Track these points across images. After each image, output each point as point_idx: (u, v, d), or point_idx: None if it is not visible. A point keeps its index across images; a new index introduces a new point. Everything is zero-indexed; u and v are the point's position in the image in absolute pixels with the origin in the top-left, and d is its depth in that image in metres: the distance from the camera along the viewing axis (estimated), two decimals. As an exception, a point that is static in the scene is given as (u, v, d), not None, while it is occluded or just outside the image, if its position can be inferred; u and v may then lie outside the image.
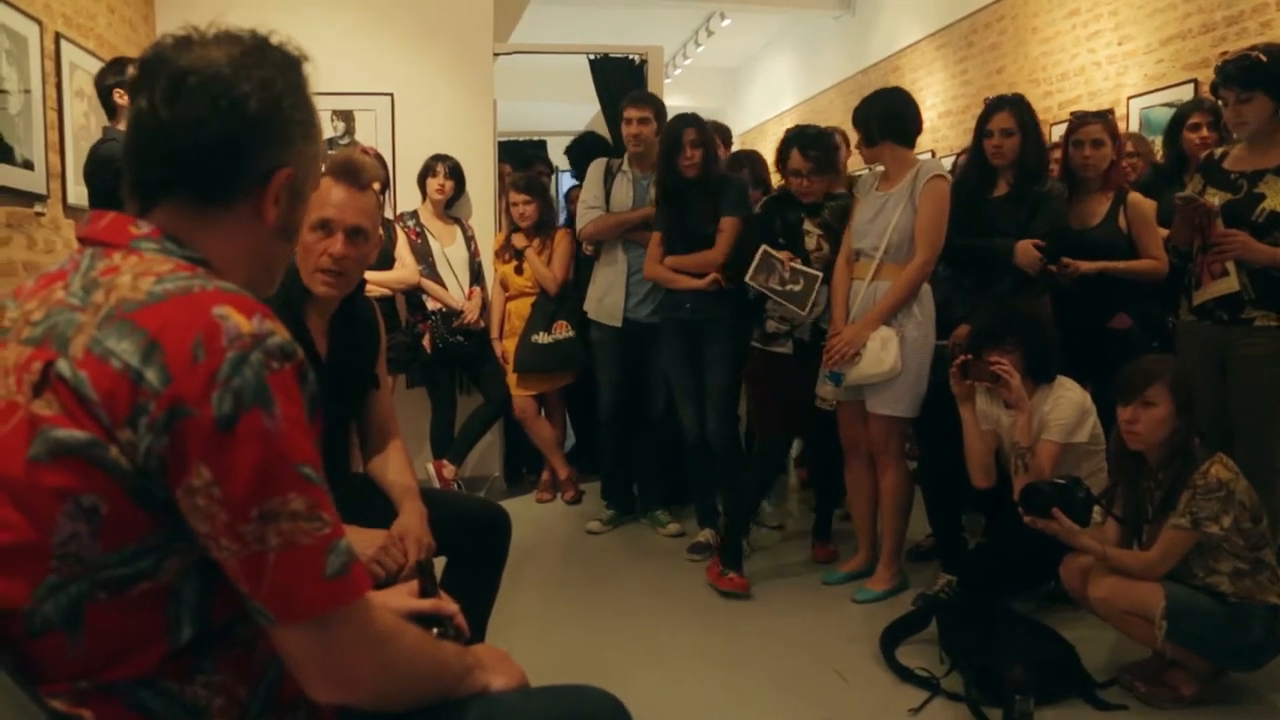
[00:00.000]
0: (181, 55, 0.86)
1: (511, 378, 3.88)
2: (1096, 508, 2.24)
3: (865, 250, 2.84)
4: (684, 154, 3.13)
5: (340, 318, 1.76)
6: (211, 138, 0.85)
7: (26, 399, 0.78)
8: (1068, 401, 2.50)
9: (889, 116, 2.83)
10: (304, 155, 0.92)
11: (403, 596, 1.16)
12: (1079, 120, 3.02)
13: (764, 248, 2.94)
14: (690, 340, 3.24)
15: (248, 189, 0.89)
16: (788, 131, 3.08)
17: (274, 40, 0.91)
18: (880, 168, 2.92)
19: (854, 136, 3.06)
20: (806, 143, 2.96)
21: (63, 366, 0.77)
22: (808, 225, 3.01)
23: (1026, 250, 2.77)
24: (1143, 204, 2.94)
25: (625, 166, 3.56)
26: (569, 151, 4.34)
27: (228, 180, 0.88)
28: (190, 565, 0.81)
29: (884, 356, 2.73)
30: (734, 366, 3.19)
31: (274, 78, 0.88)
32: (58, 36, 3.29)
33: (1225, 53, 2.62)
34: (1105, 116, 3.10)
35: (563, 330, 3.81)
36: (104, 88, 3.01)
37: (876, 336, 2.75)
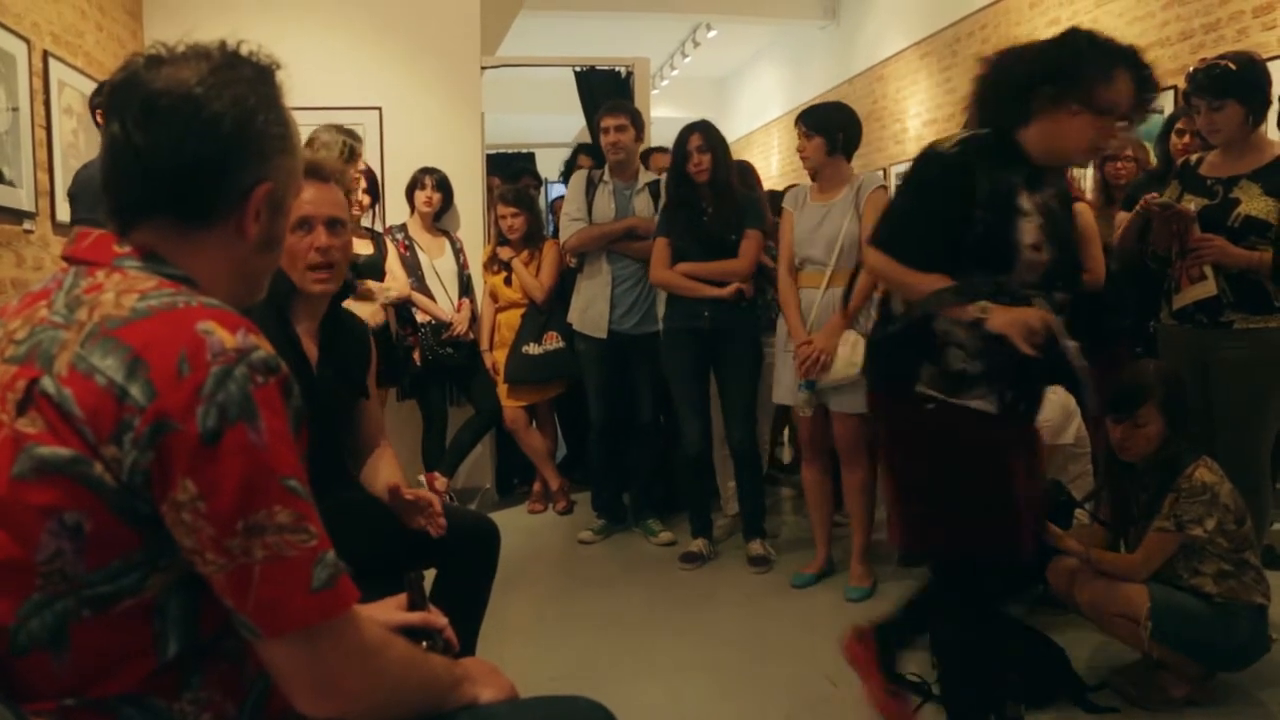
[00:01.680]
0: (152, 77, 0.86)
1: (502, 389, 3.89)
2: (1082, 510, 2.26)
3: (813, 259, 2.96)
4: (691, 160, 3.17)
5: (328, 324, 1.77)
6: (187, 160, 0.85)
7: (10, 417, 0.78)
8: (1052, 404, 2.52)
9: (854, 136, 3.04)
10: (282, 168, 0.92)
11: (391, 610, 1.16)
12: None
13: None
14: (704, 351, 3.23)
15: (228, 207, 0.89)
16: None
17: (244, 52, 0.91)
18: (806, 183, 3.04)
19: (793, 138, 3.15)
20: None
21: (47, 384, 0.77)
22: (1025, 201, 1.71)
23: None
24: (1085, 215, 2.99)
25: (606, 177, 3.58)
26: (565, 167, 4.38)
27: (207, 200, 0.88)
28: (175, 581, 0.81)
29: (855, 359, 2.82)
30: (757, 377, 3.24)
31: (246, 93, 0.88)
32: (45, 54, 3.30)
33: (1203, 60, 2.66)
34: None
35: (553, 341, 3.81)
36: (91, 110, 3.03)
37: (845, 341, 2.86)
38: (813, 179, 3.17)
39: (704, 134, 3.19)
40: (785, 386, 3.07)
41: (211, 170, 0.87)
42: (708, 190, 3.19)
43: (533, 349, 3.83)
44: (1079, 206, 3.02)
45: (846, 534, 3.33)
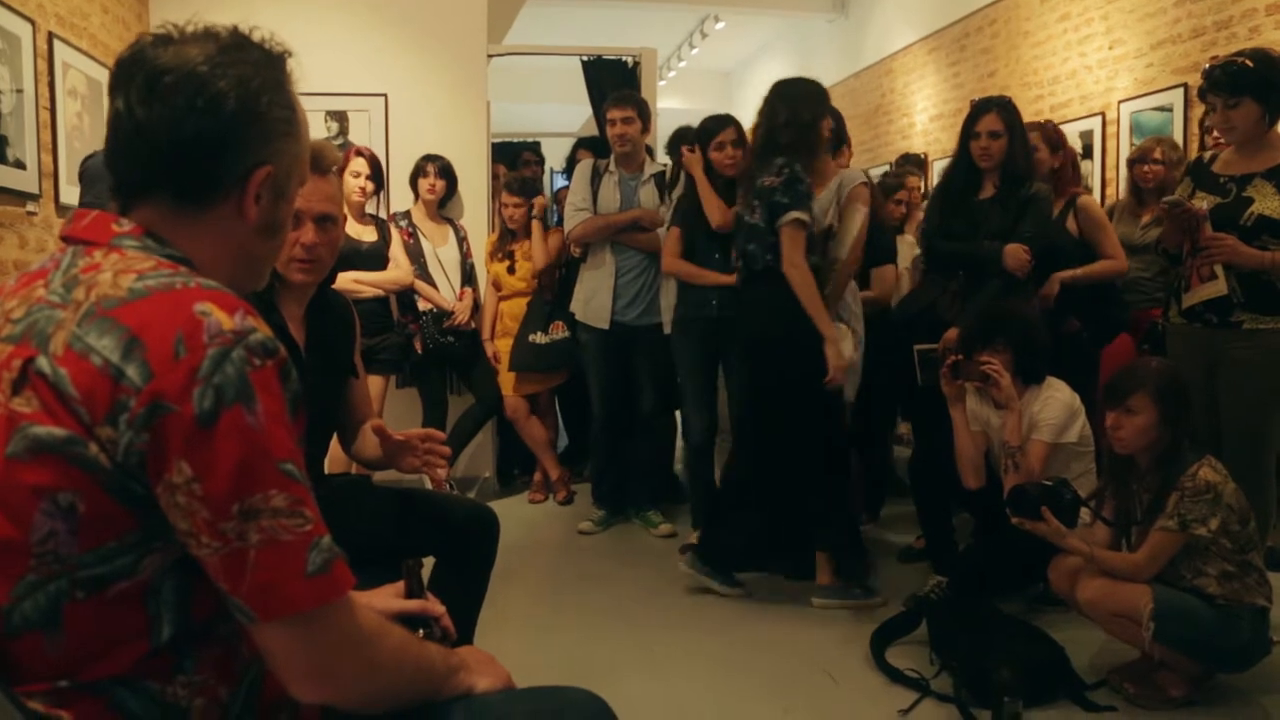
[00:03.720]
0: (159, 54, 0.85)
1: (506, 377, 3.88)
2: (1085, 509, 2.25)
3: None
4: (725, 151, 3.14)
5: (314, 307, 1.77)
6: (189, 137, 0.85)
7: (5, 397, 0.77)
8: (1057, 402, 2.52)
9: (842, 132, 3.09)
10: (286, 152, 0.91)
11: (388, 597, 1.16)
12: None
13: None
14: (712, 340, 3.22)
15: (228, 188, 0.88)
16: None
17: (255, 37, 0.90)
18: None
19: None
20: None
21: (42, 363, 0.77)
22: None
23: (1015, 253, 2.79)
24: (1093, 207, 3.06)
25: (612, 167, 3.56)
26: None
27: (207, 179, 0.87)
28: (170, 564, 0.81)
29: (844, 350, 2.85)
30: None
31: (251, 75, 0.87)
32: (50, 36, 3.29)
33: (1215, 57, 2.64)
34: (1043, 126, 3.21)
35: (559, 330, 3.82)
36: None
37: (843, 336, 2.88)
38: None
39: (737, 129, 3.18)
40: None
41: (212, 149, 0.86)
42: (729, 184, 3.16)
43: (539, 338, 3.83)
44: (1084, 200, 3.03)
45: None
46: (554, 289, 3.93)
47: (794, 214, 2.64)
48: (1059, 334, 2.92)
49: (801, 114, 2.70)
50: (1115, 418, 2.13)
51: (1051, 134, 3.14)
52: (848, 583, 2.80)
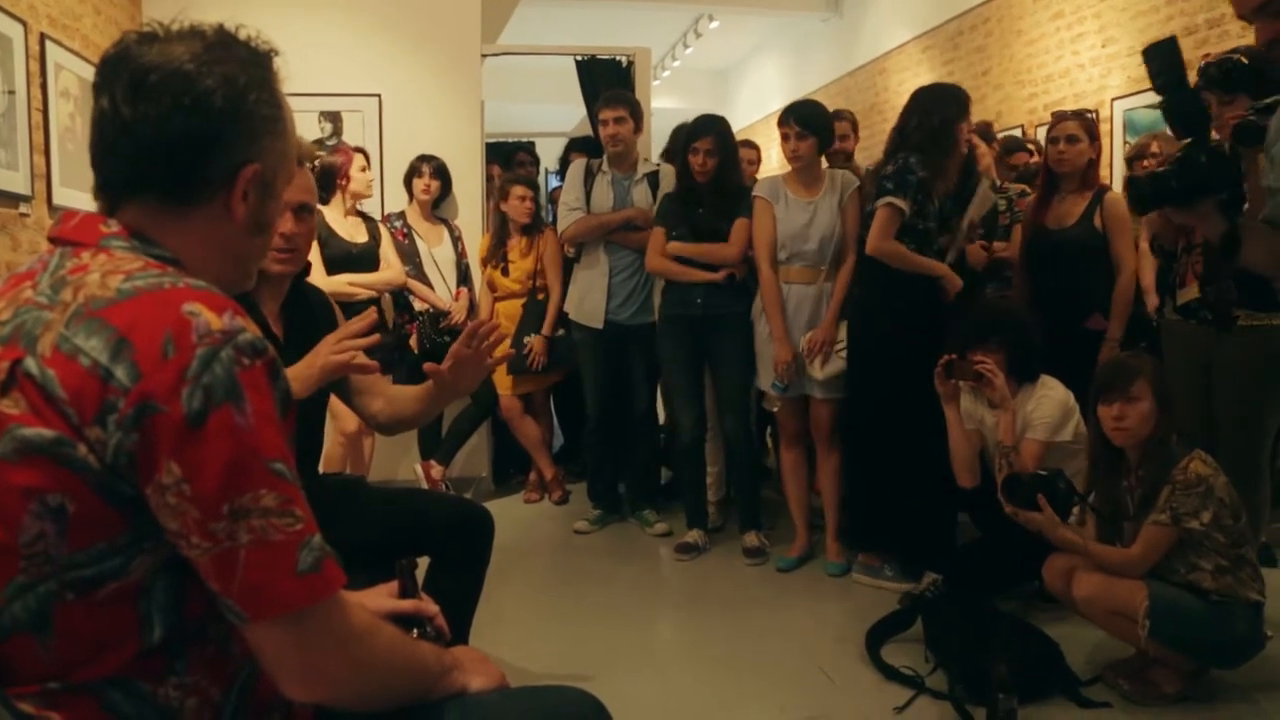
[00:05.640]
0: (144, 52, 0.85)
1: (503, 379, 3.88)
2: (1079, 504, 2.26)
3: (805, 255, 3.01)
4: (697, 157, 3.16)
5: (292, 301, 1.76)
6: (174, 136, 0.84)
7: None
8: (1051, 400, 2.52)
9: (833, 135, 3.11)
10: (273, 150, 0.91)
11: (382, 597, 1.16)
12: (1056, 118, 3.10)
13: None
14: (697, 338, 3.23)
15: (215, 186, 0.88)
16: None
17: (241, 35, 0.90)
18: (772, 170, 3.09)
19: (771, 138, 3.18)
20: None
21: (30, 365, 0.76)
22: None
23: (975, 251, 2.92)
24: (1119, 203, 2.96)
25: (605, 167, 3.56)
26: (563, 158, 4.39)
27: (194, 178, 0.87)
28: (160, 564, 0.81)
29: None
30: (749, 363, 3.19)
31: (237, 73, 0.86)
32: (43, 37, 3.27)
33: (1207, 55, 2.64)
34: (1083, 115, 3.15)
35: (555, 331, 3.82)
36: None
37: (841, 332, 2.97)
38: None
39: (717, 139, 3.16)
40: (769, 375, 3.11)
41: (198, 148, 0.86)
42: (707, 184, 3.19)
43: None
44: (1111, 196, 3.01)
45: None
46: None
47: (889, 198, 2.71)
48: (1082, 331, 2.90)
49: (930, 118, 2.77)
50: (1120, 408, 2.12)
51: (1089, 124, 3.07)
52: (887, 563, 2.89)
